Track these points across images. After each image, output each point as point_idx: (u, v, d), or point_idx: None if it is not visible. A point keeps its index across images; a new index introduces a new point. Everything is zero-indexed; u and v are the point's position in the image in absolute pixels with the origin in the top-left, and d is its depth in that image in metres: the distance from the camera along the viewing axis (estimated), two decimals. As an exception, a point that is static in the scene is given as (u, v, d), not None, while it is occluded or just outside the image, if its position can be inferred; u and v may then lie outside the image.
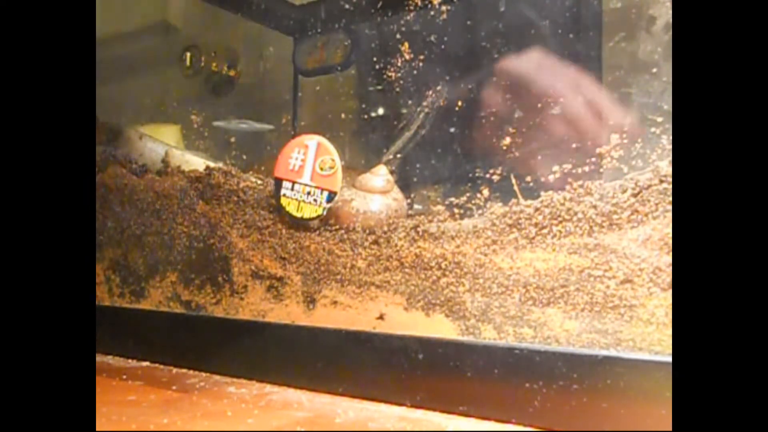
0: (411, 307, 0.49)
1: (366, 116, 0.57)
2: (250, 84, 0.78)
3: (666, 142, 0.40)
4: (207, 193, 0.61)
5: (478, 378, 0.44)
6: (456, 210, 0.48)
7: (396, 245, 0.50)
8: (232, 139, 0.72)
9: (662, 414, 0.37)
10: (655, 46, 0.41)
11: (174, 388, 0.52)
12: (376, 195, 0.52)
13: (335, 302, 0.53)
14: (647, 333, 0.40)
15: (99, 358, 0.64)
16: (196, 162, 0.65)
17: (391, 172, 0.53)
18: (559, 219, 0.43)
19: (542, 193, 0.44)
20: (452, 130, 0.49)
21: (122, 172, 0.68)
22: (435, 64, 0.50)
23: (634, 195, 0.41)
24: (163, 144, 0.68)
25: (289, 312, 0.55)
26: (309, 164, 0.52)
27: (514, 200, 0.45)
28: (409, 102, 0.51)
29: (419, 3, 0.50)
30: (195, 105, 0.76)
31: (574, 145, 0.44)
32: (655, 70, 0.41)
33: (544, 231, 0.44)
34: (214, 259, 0.59)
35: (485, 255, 0.46)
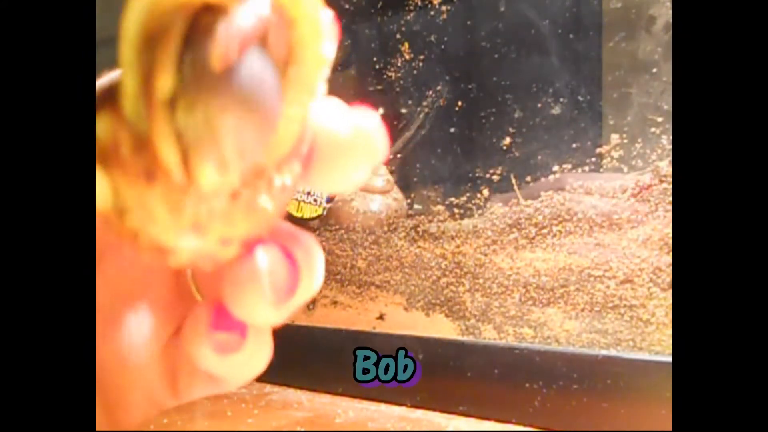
0: (411, 307, 0.49)
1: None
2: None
3: (666, 142, 0.40)
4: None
5: (478, 378, 0.44)
6: (456, 210, 0.48)
7: (396, 245, 0.50)
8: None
9: (662, 414, 0.37)
10: (655, 46, 0.41)
11: (174, 388, 0.52)
12: (376, 195, 0.52)
13: (335, 302, 0.53)
14: (647, 333, 0.40)
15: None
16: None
17: (391, 172, 0.53)
18: (559, 219, 0.43)
19: (542, 193, 0.44)
20: (452, 130, 0.49)
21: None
22: (435, 64, 0.50)
23: (634, 195, 0.41)
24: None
25: (289, 312, 0.55)
26: (309, 164, 0.52)
27: (514, 200, 0.45)
28: (409, 102, 0.51)
29: (419, 3, 0.50)
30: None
31: (573, 145, 0.44)
32: (655, 70, 0.41)
33: (544, 231, 0.44)
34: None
35: (485, 255, 0.46)
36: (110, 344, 0.19)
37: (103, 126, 0.14)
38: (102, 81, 0.14)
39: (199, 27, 0.13)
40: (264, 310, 0.16)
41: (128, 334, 0.19)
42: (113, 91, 0.14)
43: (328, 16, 0.16)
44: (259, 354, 0.18)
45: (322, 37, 0.15)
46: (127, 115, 0.13)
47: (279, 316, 0.16)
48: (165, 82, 0.13)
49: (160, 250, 0.15)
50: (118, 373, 0.19)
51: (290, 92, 0.15)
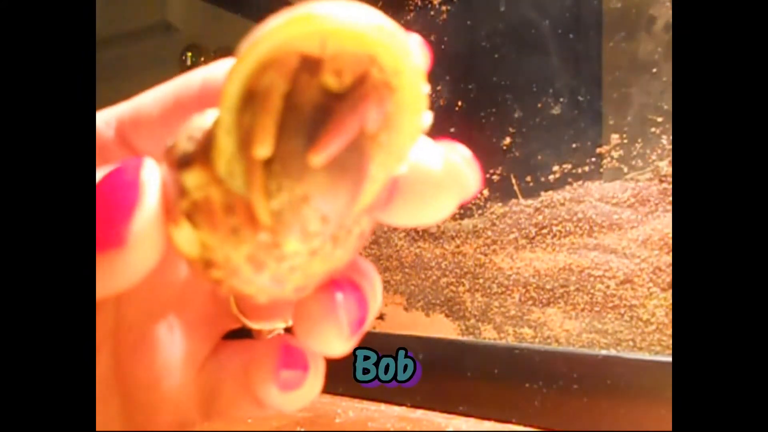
0: (411, 307, 0.49)
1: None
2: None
3: (666, 142, 0.40)
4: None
5: (478, 378, 0.44)
6: (456, 210, 0.48)
7: (396, 245, 0.50)
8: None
9: (662, 414, 0.37)
10: (655, 46, 0.41)
11: (174, 388, 0.52)
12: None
13: (335, 302, 0.53)
14: (647, 333, 0.40)
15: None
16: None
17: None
18: (559, 219, 0.43)
19: (542, 193, 0.44)
20: (452, 130, 0.49)
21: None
22: (435, 64, 0.50)
23: (634, 195, 0.41)
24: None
25: (289, 312, 0.55)
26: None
27: (514, 200, 0.45)
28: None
29: (419, 3, 0.50)
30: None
31: (573, 145, 0.44)
32: (655, 70, 0.41)
33: (544, 231, 0.44)
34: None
35: (485, 255, 0.46)
36: (141, 363, 0.19)
37: (195, 180, 0.14)
38: (188, 129, 0.14)
39: (299, 89, 0.13)
40: (339, 344, 0.17)
41: (161, 354, 0.19)
42: (206, 146, 0.14)
43: (417, 41, 0.15)
44: (317, 383, 0.19)
45: (421, 108, 0.14)
46: (221, 174, 0.13)
47: (350, 347, 0.17)
48: (263, 150, 0.13)
49: (240, 296, 0.15)
50: (148, 393, 0.19)
51: (379, 156, 0.14)
